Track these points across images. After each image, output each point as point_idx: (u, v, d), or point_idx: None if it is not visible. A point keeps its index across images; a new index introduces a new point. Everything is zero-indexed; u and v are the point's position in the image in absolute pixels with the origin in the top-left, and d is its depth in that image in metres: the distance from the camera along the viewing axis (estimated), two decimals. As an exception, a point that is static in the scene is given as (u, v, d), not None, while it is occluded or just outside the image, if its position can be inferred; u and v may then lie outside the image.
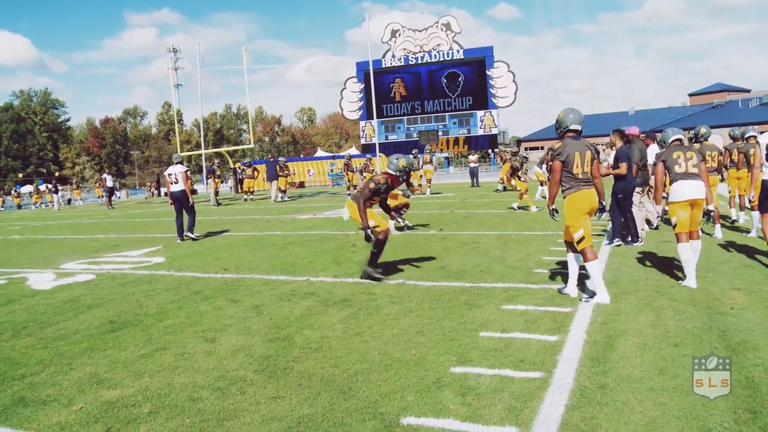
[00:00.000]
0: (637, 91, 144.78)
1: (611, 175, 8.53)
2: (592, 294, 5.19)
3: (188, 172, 11.62)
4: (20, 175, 65.68)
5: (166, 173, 11.77)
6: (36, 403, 3.53)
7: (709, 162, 8.38)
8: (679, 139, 6.11)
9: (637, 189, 8.53)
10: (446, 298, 5.54)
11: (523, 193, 13.75)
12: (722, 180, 10.89)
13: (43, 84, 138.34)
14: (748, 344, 3.90)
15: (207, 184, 27.39)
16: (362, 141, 44.34)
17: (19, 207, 38.29)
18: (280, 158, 26.59)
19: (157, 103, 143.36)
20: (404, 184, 7.77)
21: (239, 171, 30.87)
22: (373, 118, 38.99)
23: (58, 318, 5.59)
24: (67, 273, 8.17)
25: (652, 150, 8.89)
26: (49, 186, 34.39)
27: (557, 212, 5.45)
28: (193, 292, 6.44)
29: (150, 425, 3.15)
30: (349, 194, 19.91)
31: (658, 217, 9.46)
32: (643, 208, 8.74)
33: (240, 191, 29.72)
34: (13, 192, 43.05)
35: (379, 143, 34.55)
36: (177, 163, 11.56)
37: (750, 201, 8.14)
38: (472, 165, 27.05)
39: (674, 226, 5.78)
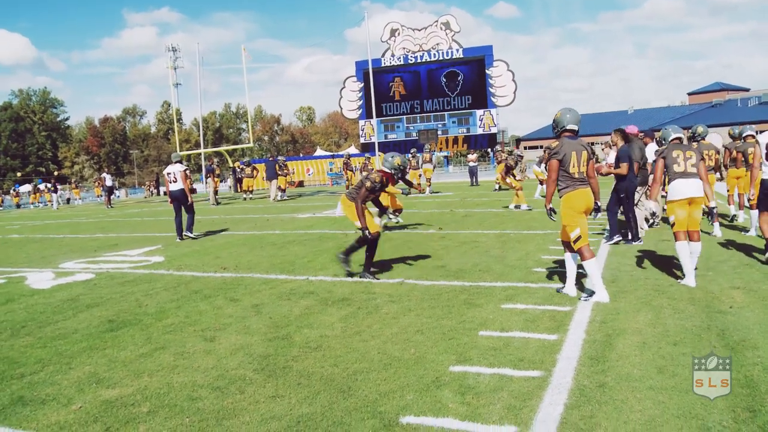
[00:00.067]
0: (636, 90, 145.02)
1: (612, 175, 8.54)
2: (591, 293, 5.19)
3: (187, 171, 11.61)
4: (19, 174, 65.66)
5: (165, 172, 11.76)
6: (35, 403, 3.53)
7: (706, 161, 8.39)
8: (679, 138, 6.12)
9: (638, 188, 8.53)
10: (445, 297, 5.54)
11: (518, 190, 13.81)
12: (721, 179, 10.90)
13: (42, 83, 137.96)
14: (747, 343, 3.90)
15: (206, 183, 27.40)
16: (361, 140, 44.29)
17: (18, 206, 38.28)
18: (280, 157, 26.55)
19: (156, 102, 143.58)
20: (403, 182, 7.75)
21: (238, 170, 30.85)
22: (372, 117, 38.99)
23: (57, 317, 5.59)
24: (66, 272, 8.17)
25: (651, 149, 8.91)
26: (48, 185, 34.37)
27: (554, 212, 5.46)
28: (193, 292, 6.43)
29: (149, 424, 3.15)
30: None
31: (655, 215, 9.46)
32: (642, 207, 8.75)
33: (239, 190, 29.70)
34: (12, 191, 43.03)
35: (378, 142, 34.56)
36: (176, 162, 11.55)
37: (749, 200, 8.15)
38: (471, 164, 27.05)
39: (672, 225, 5.79)
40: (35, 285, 7.32)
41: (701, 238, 5.94)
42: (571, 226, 5.20)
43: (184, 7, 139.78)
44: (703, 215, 5.85)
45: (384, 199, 8.11)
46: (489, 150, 45.22)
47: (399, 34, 42.31)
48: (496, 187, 20.62)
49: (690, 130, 9.24)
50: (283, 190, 23.97)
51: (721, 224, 8.84)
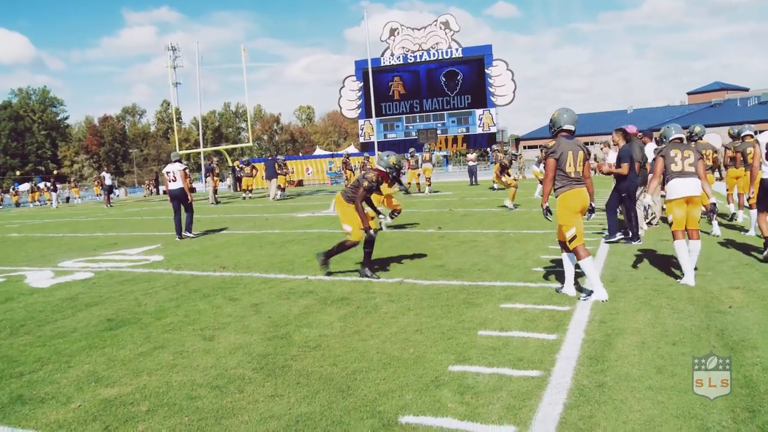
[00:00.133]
0: (636, 90, 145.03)
1: (612, 174, 8.55)
2: (590, 292, 5.20)
3: (187, 170, 11.61)
4: (18, 173, 65.60)
5: (164, 171, 11.77)
6: (34, 401, 3.52)
7: (704, 160, 8.41)
8: (680, 138, 6.12)
9: (639, 188, 8.54)
10: (444, 297, 5.54)
11: (515, 189, 13.83)
12: (720, 178, 10.91)
13: (41, 82, 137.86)
14: (747, 343, 3.90)
15: (206, 182, 27.37)
16: (361, 139, 44.32)
17: (17, 205, 38.23)
18: (279, 156, 26.56)
19: (155, 101, 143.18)
20: (397, 183, 7.57)
21: (238, 169, 30.83)
22: (371, 117, 39.02)
23: (57, 316, 5.58)
24: (65, 271, 8.16)
25: (650, 148, 8.93)
26: (48, 184, 34.33)
27: (551, 213, 5.45)
28: (192, 291, 6.43)
29: (148, 423, 3.14)
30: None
31: (650, 209, 9.45)
32: (639, 203, 8.76)
33: (239, 189, 29.68)
34: (11, 190, 42.97)
35: (377, 142, 34.56)
36: (175, 161, 11.56)
37: (748, 199, 8.16)
38: (470, 163, 27.05)
39: (671, 224, 5.80)
40: (34, 284, 7.31)
41: (701, 238, 5.94)
42: (566, 226, 5.21)
43: (184, 7, 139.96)
44: (703, 215, 5.85)
45: (375, 199, 8.02)
46: (488, 149, 45.25)
47: (398, 33, 42.33)
48: (494, 186, 20.63)
49: (688, 130, 9.25)
50: (283, 190, 23.96)
51: (720, 224, 8.86)
